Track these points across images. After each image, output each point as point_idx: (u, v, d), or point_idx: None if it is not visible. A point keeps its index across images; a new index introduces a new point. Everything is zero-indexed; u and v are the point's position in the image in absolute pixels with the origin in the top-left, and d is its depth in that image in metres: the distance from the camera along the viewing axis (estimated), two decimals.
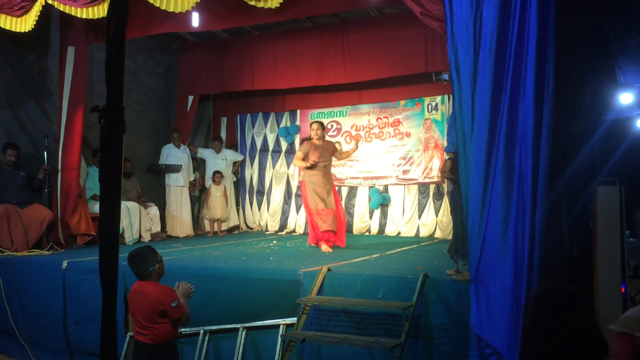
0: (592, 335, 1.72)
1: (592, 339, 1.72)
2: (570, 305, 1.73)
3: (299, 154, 6.81)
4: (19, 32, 6.15)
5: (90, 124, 7.19)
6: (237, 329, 4.55)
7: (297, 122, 9.51)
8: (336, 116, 9.23)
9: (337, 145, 7.33)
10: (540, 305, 1.76)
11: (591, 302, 1.77)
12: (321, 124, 6.90)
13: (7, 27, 6.12)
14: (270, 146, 9.66)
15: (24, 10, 5.99)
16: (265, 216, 9.60)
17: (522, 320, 1.80)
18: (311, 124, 6.98)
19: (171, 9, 5.54)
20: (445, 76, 3.94)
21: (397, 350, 3.67)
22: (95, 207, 7.13)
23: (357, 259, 5.49)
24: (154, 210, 8.00)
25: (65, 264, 5.42)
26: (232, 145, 9.84)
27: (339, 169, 9.11)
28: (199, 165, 9.49)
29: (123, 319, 4.83)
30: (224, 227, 9.15)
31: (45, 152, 6.70)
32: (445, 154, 4.57)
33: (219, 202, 8.87)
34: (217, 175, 8.94)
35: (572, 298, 1.75)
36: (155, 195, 8.60)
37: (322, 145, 6.75)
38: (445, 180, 7.99)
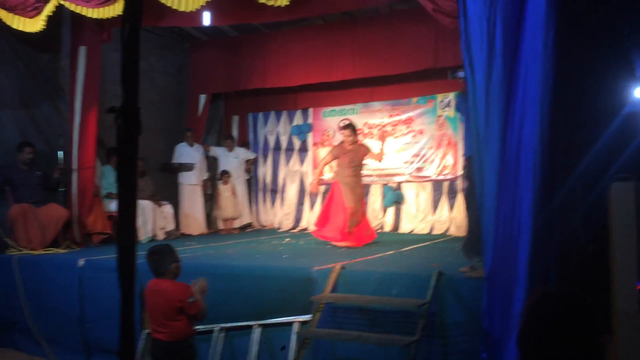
0: (590, 346, 1.56)
1: (589, 351, 1.56)
2: (570, 314, 1.58)
3: (327, 157, 6.86)
4: (32, 33, 6.20)
5: (105, 124, 7.24)
6: (251, 326, 4.57)
7: (310, 120, 9.52)
8: (348, 114, 9.22)
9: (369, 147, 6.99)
10: (537, 311, 1.60)
11: (595, 308, 1.62)
12: (352, 129, 6.71)
13: (19, 28, 6.16)
14: (284, 145, 9.68)
15: (38, 10, 6.04)
16: (279, 214, 9.62)
17: (518, 327, 1.66)
18: (341, 129, 6.95)
19: (182, 8, 5.57)
20: (461, 73, 3.91)
21: (411, 347, 3.66)
22: (111, 206, 7.19)
23: (371, 257, 5.48)
24: (167, 208, 8.05)
25: (81, 262, 5.46)
26: (243, 143, 9.86)
27: None
28: (211, 163, 9.53)
29: (139, 317, 4.87)
30: (237, 225, 9.19)
31: (60, 152, 6.76)
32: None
33: (229, 201, 8.89)
34: (225, 175, 8.95)
35: (573, 305, 1.59)
36: (169, 193, 8.65)
37: (354, 149, 6.63)
38: (460, 176, 7.97)
